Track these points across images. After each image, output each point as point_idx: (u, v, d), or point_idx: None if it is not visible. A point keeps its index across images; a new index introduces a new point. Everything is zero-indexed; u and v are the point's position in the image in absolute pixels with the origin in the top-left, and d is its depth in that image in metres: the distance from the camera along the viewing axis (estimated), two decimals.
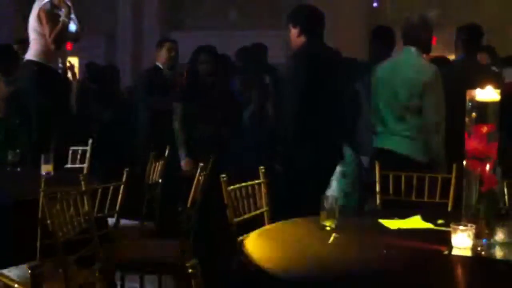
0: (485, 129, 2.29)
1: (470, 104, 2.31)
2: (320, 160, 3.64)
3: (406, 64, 3.71)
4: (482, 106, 2.30)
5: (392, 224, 2.46)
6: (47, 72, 4.48)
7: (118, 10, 12.03)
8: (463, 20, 5.21)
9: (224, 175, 2.69)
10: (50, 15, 4.50)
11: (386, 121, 3.73)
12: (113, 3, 11.60)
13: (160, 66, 5.39)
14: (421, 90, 3.60)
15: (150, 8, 12.07)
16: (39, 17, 4.49)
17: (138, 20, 12.02)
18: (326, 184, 3.77)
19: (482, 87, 2.31)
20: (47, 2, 4.54)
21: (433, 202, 3.13)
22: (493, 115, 2.30)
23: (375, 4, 11.25)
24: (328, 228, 2.34)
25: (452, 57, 4.75)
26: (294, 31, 3.70)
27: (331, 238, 2.22)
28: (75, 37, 4.81)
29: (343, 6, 10.26)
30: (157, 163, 3.72)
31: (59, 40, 4.51)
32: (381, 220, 2.50)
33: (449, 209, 3.06)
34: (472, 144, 2.30)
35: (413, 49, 3.72)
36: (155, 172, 3.72)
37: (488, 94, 2.32)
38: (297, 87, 3.60)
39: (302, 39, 3.68)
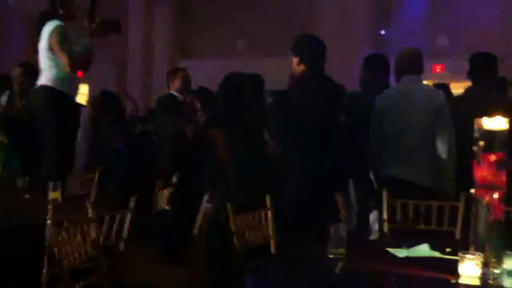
0: (493, 157, 2.29)
1: (478, 132, 2.31)
2: (316, 186, 3.62)
3: (417, 92, 3.74)
4: (490, 135, 2.30)
5: (400, 252, 2.44)
6: (61, 98, 4.42)
7: (129, 38, 12.19)
8: (471, 48, 5.23)
9: (229, 203, 2.69)
10: (64, 42, 4.39)
11: (399, 150, 3.72)
12: (124, 31, 11.75)
13: (175, 93, 5.49)
14: (435, 116, 3.62)
15: (161, 36, 12.21)
16: (51, 45, 4.40)
17: (148, 48, 12.16)
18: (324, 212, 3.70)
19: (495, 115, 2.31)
20: (58, 26, 4.42)
21: (441, 230, 3.10)
22: (501, 143, 2.29)
23: (382, 32, 11.33)
24: (335, 256, 2.32)
25: (456, 84, 4.78)
26: (294, 60, 3.80)
27: (339, 267, 2.20)
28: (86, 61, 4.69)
29: (352, 34, 10.35)
30: (165, 190, 3.73)
31: (75, 65, 4.41)
32: (389, 249, 2.48)
33: (456, 237, 3.03)
34: (480, 172, 2.29)
35: (417, 77, 3.79)
36: (163, 199, 3.73)
37: (496, 122, 2.32)
38: (290, 113, 3.67)
39: (302, 67, 3.75)
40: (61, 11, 4.45)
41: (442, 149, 3.64)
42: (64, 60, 4.33)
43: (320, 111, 3.67)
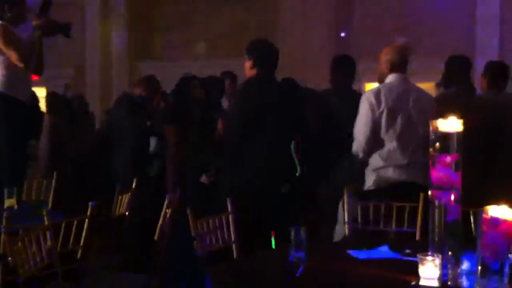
0: (449, 159, 2.32)
1: (434, 134, 2.33)
2: (268, 187, 3.63)
3: (412, 91, 3.69)
4: (446, 136, 2.33)
5: (361, 254, 2.46)
6: (11, 103, 4.24)
7: (87, 40, 12.00)
8: (428, 50, 5.31)
9: (190, 207, 2.67)
10: (9, 39, 4.15)
11: (399, 151, 3.63)
12: (82, 34, 11.56)
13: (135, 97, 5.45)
14: (432, 114, 3.58)
15: (119, 39, 12.06)
16: None
17: (106, 50, 12.00)
18: (278, 210, 3.68)
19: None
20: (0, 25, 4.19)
21: (402, 231, 3.14)
22: (457, 145, 2.32)
23: (342, 34, 11.44)
24: (295, 260, 2.32)
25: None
26: (247, 63, 3.87)
27: (300, 270, 2.20)
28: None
29: (312, 36, 10.41)
30: (124, 196, 3.67)
31: (27, 59, 4.18)
32: (350, 250, 2.49)
33: (417, 238, 3.07)
34: (436, 174, 2.32)
35: (405, 76, 3.73)
36: (122, 205, 3.67)
37: (451, 124, 2.36)
38: (239, 114, 3.76)
39: (254, 71, 3.83)
40: (8, 14, 4.28)
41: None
42: (14, 55, 4.11)
43: (264, 112, 3.69)
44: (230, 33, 11.37)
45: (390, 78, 3.72)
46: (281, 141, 3.77)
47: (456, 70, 4.33)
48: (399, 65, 3.71)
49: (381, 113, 3.65)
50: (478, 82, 4.42)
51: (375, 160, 3.64)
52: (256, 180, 3.62)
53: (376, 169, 3.62)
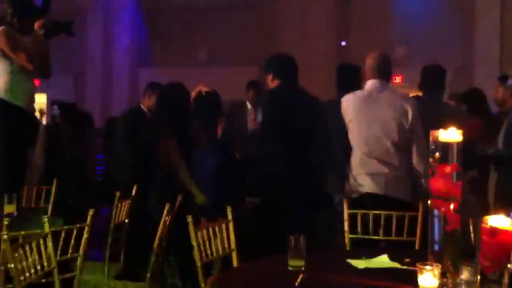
0: (448, 169, 2.32)
1: (433, 144, 2.34)
2: (287, 199, 3.67)
3: (389, 96, 3.67)
4: (445, 146, 2.34)
5: (360, 263, 2.45)
6: (11, 111, 4.22)
7: (88, 47, 12.04)
8: (427, 59, 5.34)
9: (190, 216, 2.67)
10: (15, 42, 4.14)
11: (366, 161, 3.63)
12: (83, 41, 11.60)
13: (144, 109, 5.44)
14: (411, 121, 3.59)
15: (120, 46, 12.09)
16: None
17: (107, 58, 12.03)
18: (294, 223, 3.75)
19: (448, 125, 2.35)
20: (3, 29, 4.16)
21: (401, 241, 3.13)
22: (456, 154, 2.33)
23: (343, 43, 11.47)
24: (294, 269, 2.32)
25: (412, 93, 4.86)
26: (268, 77, 4.03)
27: (299, 279, 2.19)
28: (44, 73, 4.49)
29: (314, 46, 10.45)
30: (124, 203, 3.67)
31: (34, 60, 4.17)
32: (348, 260, 2.49)
33: (416, 247, 3.07)
34: (436, 184, 2.33)
35: (384, 81, 3.73)
36: (122, 212, 3.66)
37: (451, 134, 2.36)
38: (266, 127, 3.83)
39: (276, 83, 3.99)
40: (17, 27, 4.27)
41: (415, 157, 3.60)
42: (22, 56, 4.11)
43: (294, 123, 3.77)
44: (230, 41, 11.42)
45: (368, 84, 3.76)
46: (304, 148, 3.82)
47: (428, 79, 4.37)
48: (377, 71, 3.72)
49: (350, 120, 3.67)
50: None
51: (351, 168, 3.67)
52: (276, 186, 3.67)
53: (352, 177, 3.65)
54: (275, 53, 4.31)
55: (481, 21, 9.41)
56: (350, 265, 2.44)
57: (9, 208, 3.49)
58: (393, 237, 3.16)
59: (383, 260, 2.51)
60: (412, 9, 10.37)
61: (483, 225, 2.02)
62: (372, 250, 2.73)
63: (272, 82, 4.01)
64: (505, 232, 1.94)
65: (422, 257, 2.20)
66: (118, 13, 12.12)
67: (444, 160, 2.32)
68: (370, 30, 10.66)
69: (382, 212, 3.23)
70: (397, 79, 10.62)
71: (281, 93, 3.93)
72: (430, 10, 10.27)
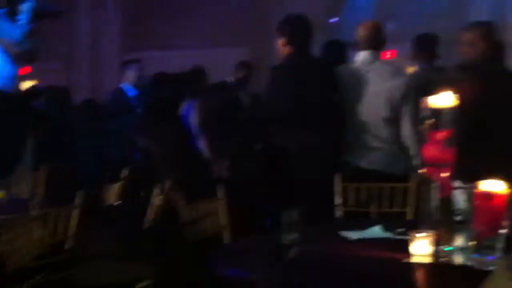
0: (440, 135, 2.29)
1: (425, 110, 2.31)
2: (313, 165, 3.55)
3: (380, 68, 3.62)
4: (438, 113, 2.31)
5: (353, 235, 2.43)
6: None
7: (76, 32, 11.88)
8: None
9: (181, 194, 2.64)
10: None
11: (360, 134, 3.59)
12: (71, 25, 11.46)
13: (128, 85, 5.41)
14: (402, 94, 3.53)
15: (110, 30, 11.95)
16: None
17: (97, 43, 11.90)
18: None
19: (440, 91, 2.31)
20: None
21: (395, 212, 3.12)
22: (449, 121, 2.30)
23: (333, 20, 11.37)
24: (288, 242, 2.29)
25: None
26: (280, 41, 3.72)
27: (292, 252, 2.17)
28: (31, 57, 4.50)
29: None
30: (115, 185, 3.63)
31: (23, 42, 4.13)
32: (342, 231, 2.47)
33: (409, 217, 3.05)
34: (428, 151, 2.30)
35: (376, 52, 3.66)
36: (113, 194, 3.63)
37: (443, 100, 2.33)
38: (278, 97, 3.61)
39: (288, 49, 3.68)
40: None
41: (405, 131, 3.55)
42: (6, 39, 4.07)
43: (313, 94, 3.58)
44: (219, 23, 11.29)
45: (358, 56, 3.69)
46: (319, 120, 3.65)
47: (420, 48, 4.33)
48: (367, 42, 3.64)
49: (340, 92, 3.63)
50: None
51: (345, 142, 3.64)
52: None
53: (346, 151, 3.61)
54: (292, 14, 3.88)
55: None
56: (344, 237, 2.41)
57: None
58: (387, 210, 3.13)
59: (376, 231, 2.49)
60: None
61: (476, 190, 2.00)
62: (366, 222, 2.71)
63: (284, 47, 3.68)
64: (498, 196, 1.92)
65: (415, 226, 2.18)
66: None
67: (437, 126, 2.29)
68: (360, 5, 10.57)
69: (375, 185, 3.20)
70: (389, 54, 10.54)
71: (296, 61, 3.66)
72: None
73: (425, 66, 4.34)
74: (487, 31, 3.47)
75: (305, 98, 3.58)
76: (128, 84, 5.43)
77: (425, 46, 4.42)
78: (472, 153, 2.77)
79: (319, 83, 3.65)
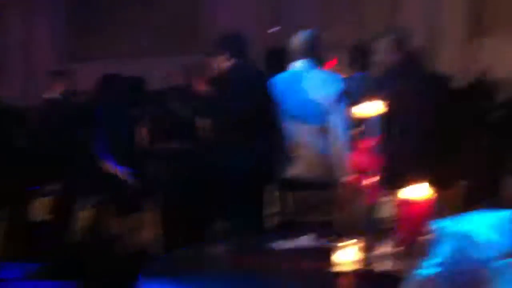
0: (368, 143, 2.31)
1: (354, 119, 2.34)
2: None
3: (314, 77, 3.64)
4: (366, 120, 2.33)
5: (284, 244, 2.41)
6: None
7: (8, 43, 11.51)
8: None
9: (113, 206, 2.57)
10: None
11: (293, 142, 3.59)
12: (2, 36, 11.09)
13: (58, 96, 5.27)
14: (333, 103, 3.53)
15: (44, 40, 11.63)
16: None
17: (30, 53, 11.56)
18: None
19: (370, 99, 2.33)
20: None
21: (327, 220, 3.12)
22: (376, 128, 2.32)
23: (274, 29, 11.44)
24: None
25: None
26: (221, 58, 3.85)
27: (220, 263, 2.14)
28: None
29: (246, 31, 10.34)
30: (42, 199, 3.50)
31: None
32: (272, 242, 2.45)
33: (340, 225, 3.06)
34: (356, 158, 2.32)
35: (311, 61, 3.69)
36: (40, 208, 3.50)
37: (371, 108, 2.35)
38: (225, 108, 3.71)
39: (229, 62, 3.82)
40: None
41: (333, 138, 3.56)
42: None
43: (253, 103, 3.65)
44: (156, 31, 11.18)
45: (294, 65, 3.72)
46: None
47: (355, 57, 4.44)
48: (303, 51, 3.69)
49: (275, 101, 3.67)
50: None
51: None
52: None
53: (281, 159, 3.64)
54: (229, 32, 4.18)
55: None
56: (274, 248, 2.39)
57: None
58: (320, 218, 3.14)
59: (308, 240, 2.48)
60: None
61: (400, 196, 2.01)
62: (299, 231, 2.70)
63: (225, 62, 3.82)
64: (420, 202, 1.93)
65: (344, 233, 2.17)
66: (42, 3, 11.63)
67: (365, 134, 2.32)
68: (302, 12, 10.67)
69: (308, 193, 3.21)
70: (328, 63, 10.66)
71: (241, 72, 3.79)
72: None
73: (359, 75, 4.41)
74: (400, 38, 3.57)
75: (250, 107, 3.62)
76: (58, 94, 5.27)
77: (360, 55, 4.50)
78: (399, 158, 2.81)
79: (261, 93, 3.69)
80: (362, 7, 10.36)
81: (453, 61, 6.96)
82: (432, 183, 2.01)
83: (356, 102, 2.51)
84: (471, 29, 7.64)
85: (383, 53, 3.48)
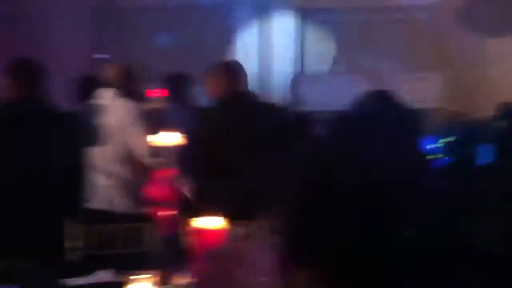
0: (164, 173, 2.29)
1: (150, 149, 2.31)
2: None
3: (118, 107, 3.57)
4: (164, 151, 2.32)
5: (78, 281, 2.30)
6: None
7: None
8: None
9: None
10: None
11: (94, 172, 3.48)
12: None
13: None
14: (131, 134, 3.49)
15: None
16: None
17: None
18: None
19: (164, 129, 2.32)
20: None
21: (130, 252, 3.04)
22: (173, 159, 2.32)
23: (97, 56, 11.15)
24: None
25: None
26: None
27: None
28: None
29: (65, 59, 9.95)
30: None
31: None
32: (65, 278, 2.31)
33: (142, 257, 3.00)
34: (152, 189, 2.28)
35: (118, 91, 3.64)
36: None
37: (168, 138, 2.34)
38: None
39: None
40: None
41: (132, 165, 3.54)
42: None
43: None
44: None
45: (99, 94, 3.66)
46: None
47: (171, 87, 4.44)
48: (111, 82, 3.66)
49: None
50: None
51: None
52: None
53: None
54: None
55: None
56: (65, 285, 2.27)
57: None
58: (123, 250, 3.04)
59: (104, 276, 2.39)
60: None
61: (193, 227, 2.01)
62: (98, 265, 2.59)
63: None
64: (212, 232, 1.95)
65: (143, 266, 2.12)
66: None
67: (163, 164, 2.29)
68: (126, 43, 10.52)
69: (110, 226, 3.10)
70: (157, 93, 10.58)
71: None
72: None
73: (174, 105, 4.39)
74: (232, 71, 3.65)
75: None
76: None
77: (175, 85, 4.51)
78: (200, 190, 2.84)
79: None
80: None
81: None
82: (228, 215, 2.05)
83: (155, 131, 2.48)
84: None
85: (212, 85, 3.51)
